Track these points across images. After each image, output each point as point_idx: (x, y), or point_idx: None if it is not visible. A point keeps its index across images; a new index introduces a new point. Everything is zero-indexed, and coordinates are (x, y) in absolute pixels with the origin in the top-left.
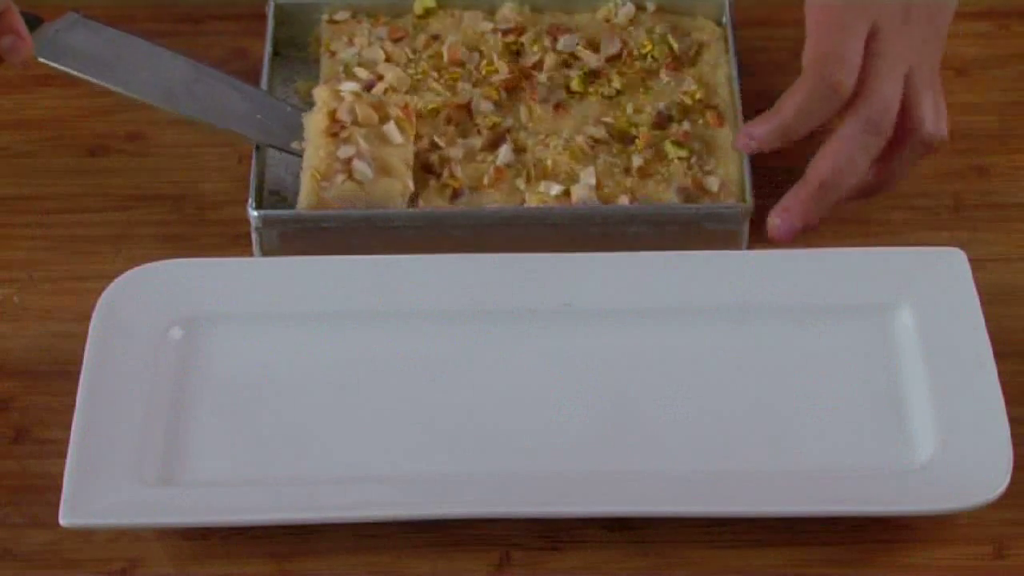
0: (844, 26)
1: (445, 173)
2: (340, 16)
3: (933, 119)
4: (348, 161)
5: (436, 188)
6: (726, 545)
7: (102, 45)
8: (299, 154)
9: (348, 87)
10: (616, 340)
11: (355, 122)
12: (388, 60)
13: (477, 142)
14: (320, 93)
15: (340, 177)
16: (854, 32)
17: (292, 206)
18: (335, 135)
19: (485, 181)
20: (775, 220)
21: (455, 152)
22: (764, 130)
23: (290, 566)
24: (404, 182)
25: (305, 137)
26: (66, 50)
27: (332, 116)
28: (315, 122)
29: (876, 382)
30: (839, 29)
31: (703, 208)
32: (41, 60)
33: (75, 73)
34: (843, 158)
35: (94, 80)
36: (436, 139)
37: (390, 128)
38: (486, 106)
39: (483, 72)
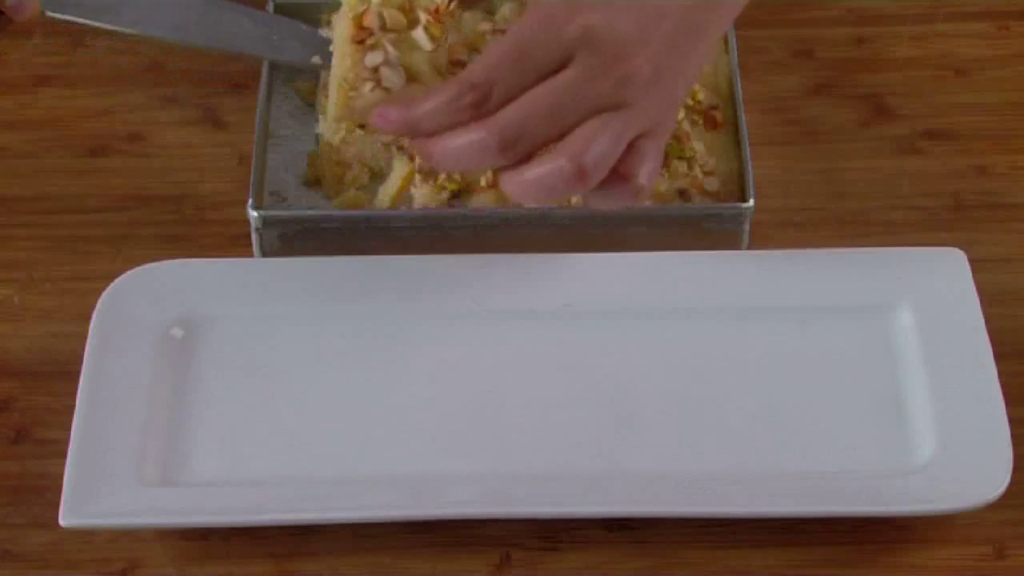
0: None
1: (443, 175)
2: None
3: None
4: (376, 69)
5: (433, 190)
6: (726, 545)
7: None
8: (318, 69)
9: None
10: (616, 340)
11: (383, 27)
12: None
13: None
14: None
15: (368, 85)
16: (536, 57)
17: (292, 207)
18: (362, 42)
19: (483, 183)
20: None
21: None
22: (395, 117)
23: (290, 566)
24: None
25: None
26: (71, 1)
27: (359, 22)
28: (341, 29)
29: (876, 382)
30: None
31: (703, 208)
32: (48, 14)
33: (82, 21)
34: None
35: (102, 24)
36: None
37: (419, 34)
38: None
39: None
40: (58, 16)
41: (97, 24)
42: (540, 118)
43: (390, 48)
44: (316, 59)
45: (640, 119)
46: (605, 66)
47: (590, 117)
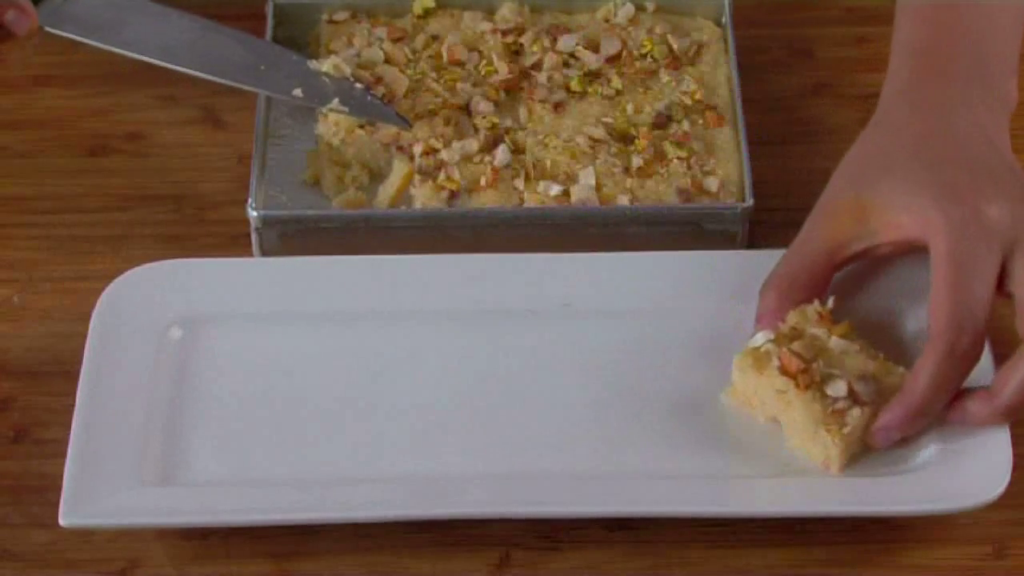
0: (973, 274)
1: (441, 175)
2: (339, 16)
3: None
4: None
5: (432, 190)
6: (726, 545)
7: (107, 10)
8: (300, 101)
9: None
10: (615, 340)
11: None
12: (387, 61)
13: (475, 143)
14: None
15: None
16: (983, 278)
17: (291, 206)
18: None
19: (482, 182)
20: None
21: (451, 154)
22: (899, 418)
23: (290, 566)
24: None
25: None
26: (69, 17)
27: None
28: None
29: None
30: (967, 279)
31: (702, 208)
32: (46, 29)
33: (78, 38)
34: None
35: (96, 44)
36: (432, 141)
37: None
38: (485, 106)
39: (482, 72)
40: (55, 32)
41: (90, 42)
42: None
43: None
44: (298, 92)
45: None
46: None
47: None
